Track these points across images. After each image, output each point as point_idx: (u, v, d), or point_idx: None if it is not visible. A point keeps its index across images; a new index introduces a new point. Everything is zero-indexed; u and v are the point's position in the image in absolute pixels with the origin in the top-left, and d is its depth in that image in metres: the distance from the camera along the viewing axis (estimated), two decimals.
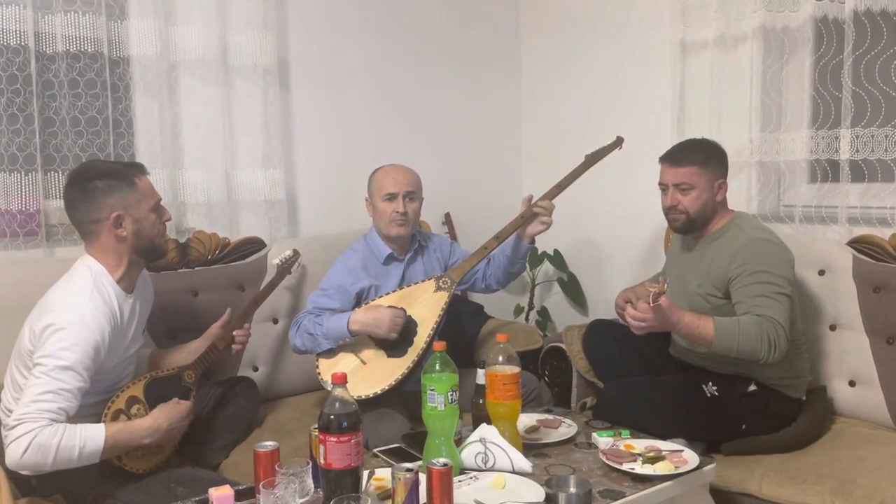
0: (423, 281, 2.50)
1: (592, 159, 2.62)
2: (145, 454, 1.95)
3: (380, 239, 2.54)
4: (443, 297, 2.45)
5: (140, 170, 2.01)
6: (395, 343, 2.38)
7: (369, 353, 2.39)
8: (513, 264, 2.63)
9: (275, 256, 2.66)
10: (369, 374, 2.35)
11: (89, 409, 1.88)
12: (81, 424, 1.79)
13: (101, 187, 1.92)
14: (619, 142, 2.67)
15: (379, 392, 2.31)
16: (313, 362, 2.42)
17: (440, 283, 2.48)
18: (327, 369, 2.35)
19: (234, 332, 2.31)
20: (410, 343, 2.39)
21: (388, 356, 2.38)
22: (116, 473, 1.89)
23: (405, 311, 2.39)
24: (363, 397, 2.28)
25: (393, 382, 2.32)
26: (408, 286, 2.49)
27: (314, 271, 2.77)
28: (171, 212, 2.20)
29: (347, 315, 2.36)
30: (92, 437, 1.78)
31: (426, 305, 2.44)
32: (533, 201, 2.52)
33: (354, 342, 2.39)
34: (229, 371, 2.57)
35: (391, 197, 2.46)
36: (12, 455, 1.72)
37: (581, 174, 2.60)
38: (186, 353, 2.27)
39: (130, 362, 2.09)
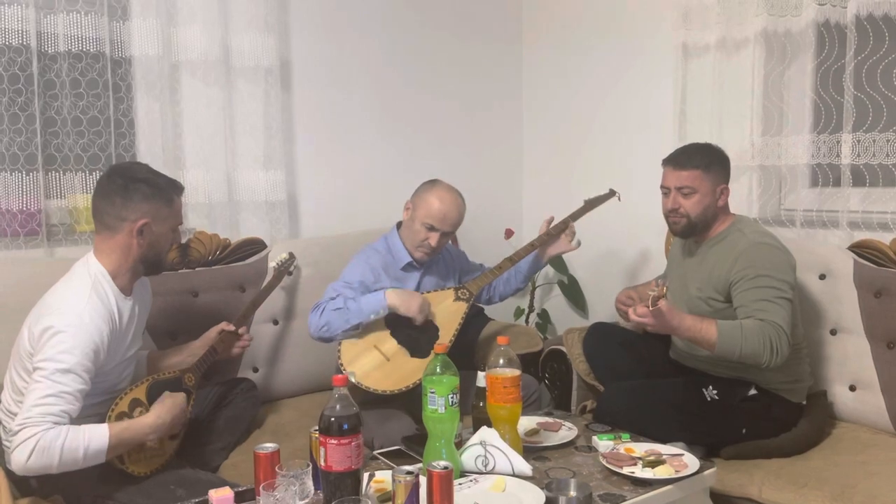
0: (441, 290, 2.52)
1: (590, 205, 2.76)
2: (147, 457, 1.95)
3: (402, 245, 2.54)
4: (462, 307, 2.48)
5: (180, 191, 2.04)
6: (418, 344, 2.39)
7: (392, 350, 2.39)
8: (524, 281, 2.77)
9: (271, 259, 2.65)
10: (393, 371, 2.35)
11: (91, 409, 1.87)
12: (85, 425, 1.78)
13: (143, 191, 1.93)
14: (612, 193, 2.79)
15: (403, 389, 2.31)
16: (313, 364, 2.40)
17: (459, 294, 2.51)
18: (350, 360, 2.34)
19: (238, 343, 2.32)
20: (432, 345, 2.39)
21: (412, 356, 2.39)
22: (116, 475, 1.89)
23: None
24: (387, 392, 2.28)
25: (417, 381, 2.31)
26: (426, 293, 2.51)
27: (315, 272, 2.77)
28: None
29: (382, 291, 2.37)
30: (96, 437, 1.78)
31: (447, 312, 2.46)
32: (552, 224, 2.65)
33: (379, 335, 2.38)
34: (229, 372, 2.56)
35: (432, 228, 2.46)
36: (18, 460, 1.71)
37: (579, 217, 2.72)
38: (185, 355, 2.27)
39: (130, 364, 2.09)
